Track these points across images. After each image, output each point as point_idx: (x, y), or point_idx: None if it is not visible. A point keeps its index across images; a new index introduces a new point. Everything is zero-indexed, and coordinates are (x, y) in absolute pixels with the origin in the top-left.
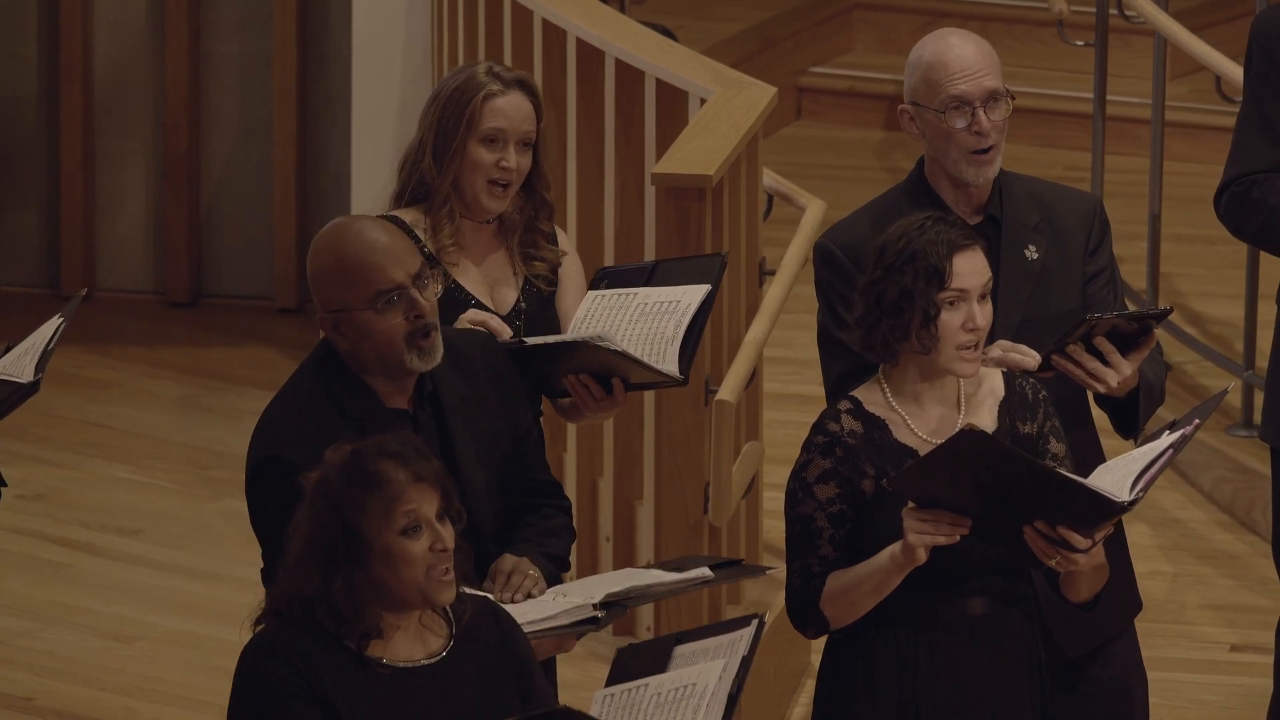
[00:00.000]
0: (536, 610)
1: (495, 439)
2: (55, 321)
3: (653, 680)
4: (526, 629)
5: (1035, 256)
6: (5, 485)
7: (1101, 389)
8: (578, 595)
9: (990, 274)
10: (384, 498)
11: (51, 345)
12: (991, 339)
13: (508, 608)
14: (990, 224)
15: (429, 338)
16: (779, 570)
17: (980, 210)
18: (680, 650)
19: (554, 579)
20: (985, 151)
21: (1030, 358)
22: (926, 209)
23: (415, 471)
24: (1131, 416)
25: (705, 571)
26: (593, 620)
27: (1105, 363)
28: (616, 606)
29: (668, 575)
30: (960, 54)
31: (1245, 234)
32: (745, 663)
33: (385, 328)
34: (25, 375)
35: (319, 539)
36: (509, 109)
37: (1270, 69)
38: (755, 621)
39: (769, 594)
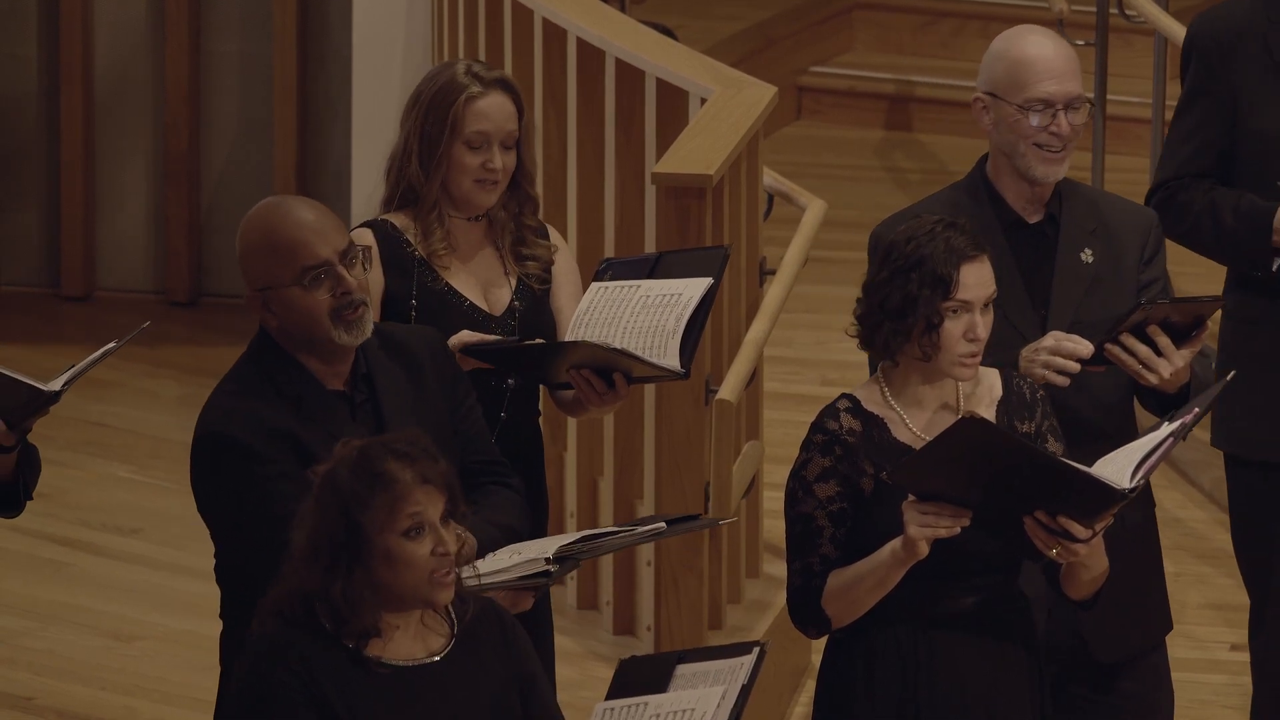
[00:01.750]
0: (490, 564)
1: (432, 426)
2: (107, 346)
3: (652, 700)
4: (480, 583)
5: (1090, 260)
6: (24, 503)
7: (1154, 380)
8: (532, 552)
9: (995, 286)
10: (389, 498)
11: (88, 367)
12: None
13: None
14: (1050, 223)
15: (355, 311)
16: (742, 530)
17: (1041, 209)
18: (682, 670)
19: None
20: (1058, 151)
21: (1083, 346)
22: (986, 206)
23: (422, 473)
24: None
25: (660, 525)
26: (545, 574)
27: (1158, 353)
28: (569, 560)
29: (621, 528)
30: (1046, 54)
31: (1173, 236)
32: (745, 691)
33: (311, 304)
34: (53, 385)
35: (322, 534)
36: (491, 110)
37: (1202, 72)
38: (757, 650)
39: (769, 593)
